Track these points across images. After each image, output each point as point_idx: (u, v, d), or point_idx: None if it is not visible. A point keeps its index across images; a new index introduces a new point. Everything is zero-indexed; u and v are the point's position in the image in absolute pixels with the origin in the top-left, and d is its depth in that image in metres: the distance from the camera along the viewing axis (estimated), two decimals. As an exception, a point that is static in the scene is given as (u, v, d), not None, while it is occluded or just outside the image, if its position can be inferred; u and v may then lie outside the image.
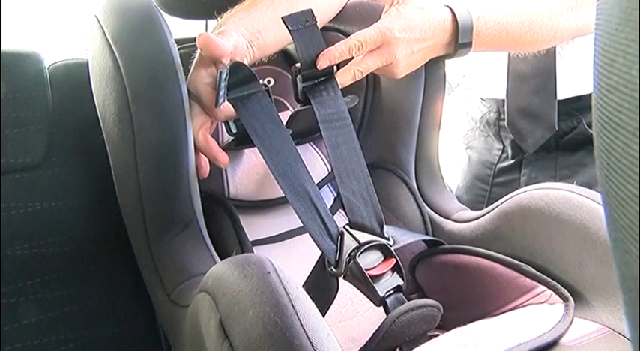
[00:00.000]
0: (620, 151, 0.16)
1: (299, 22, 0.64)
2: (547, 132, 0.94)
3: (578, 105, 0.93)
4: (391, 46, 0.65)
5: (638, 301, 0.16)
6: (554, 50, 0.90)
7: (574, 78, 0.91)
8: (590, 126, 0.93)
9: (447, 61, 0.78)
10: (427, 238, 0.71)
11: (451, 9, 0.69)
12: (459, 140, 1.15)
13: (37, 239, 0.70)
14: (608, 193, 0.17)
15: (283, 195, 0.78)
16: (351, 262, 0.58)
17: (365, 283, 0.58)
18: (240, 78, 0.63)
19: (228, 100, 0.62)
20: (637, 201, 0.15)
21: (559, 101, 0.92)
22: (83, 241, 0.73)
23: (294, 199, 0.59)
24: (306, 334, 0.41)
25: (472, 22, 0.68)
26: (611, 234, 0.18)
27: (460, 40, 0.69)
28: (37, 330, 0.69)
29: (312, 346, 0.40)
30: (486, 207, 0.72)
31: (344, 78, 0.66)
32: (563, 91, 0.92)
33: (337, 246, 0.59)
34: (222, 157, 0.63)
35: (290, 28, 0.63)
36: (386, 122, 0.80)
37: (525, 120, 0.96)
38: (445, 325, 0.60)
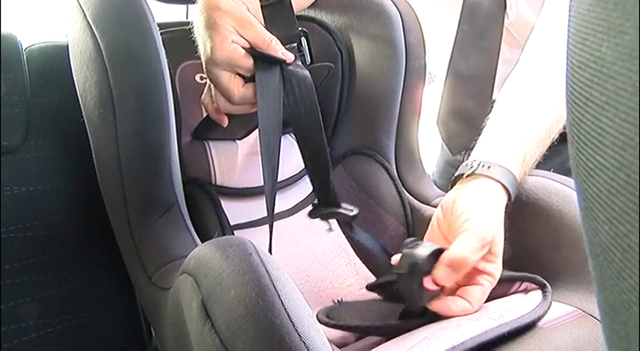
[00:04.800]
0: (589, 124, 0.17)
1: None
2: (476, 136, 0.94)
3: None
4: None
5: (604, 265, 0.17)
6: (497, 57, 0.89)
7: None
8: None
9: (427, 51, 0.78)
10: None
11: (505, 190, 0.61)
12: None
13: (15, 223, 0.70)
14: (578, 165, 0.18)
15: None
16: None
17: None
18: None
19: (252, 57, 0.61)
20: (604, 170, 0.16)
21: None
22: (62, 226, 0.73)
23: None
24: (288, 314, 0.41)
25: (517, 179, 0.62)
26: (581, 204, 0.19)
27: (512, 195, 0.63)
28: (15, 315, 0.69)
29: (294, 325, 0.41)
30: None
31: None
32: None
33: None
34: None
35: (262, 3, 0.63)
36: (365, 109, 0.81)
37: (456, 121, 0.95)
38: None
